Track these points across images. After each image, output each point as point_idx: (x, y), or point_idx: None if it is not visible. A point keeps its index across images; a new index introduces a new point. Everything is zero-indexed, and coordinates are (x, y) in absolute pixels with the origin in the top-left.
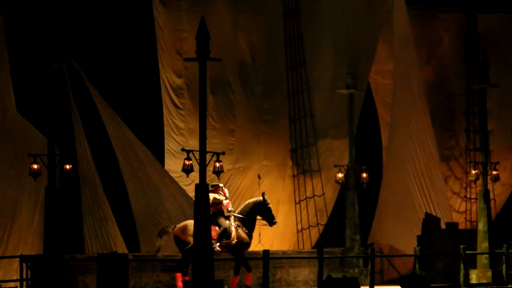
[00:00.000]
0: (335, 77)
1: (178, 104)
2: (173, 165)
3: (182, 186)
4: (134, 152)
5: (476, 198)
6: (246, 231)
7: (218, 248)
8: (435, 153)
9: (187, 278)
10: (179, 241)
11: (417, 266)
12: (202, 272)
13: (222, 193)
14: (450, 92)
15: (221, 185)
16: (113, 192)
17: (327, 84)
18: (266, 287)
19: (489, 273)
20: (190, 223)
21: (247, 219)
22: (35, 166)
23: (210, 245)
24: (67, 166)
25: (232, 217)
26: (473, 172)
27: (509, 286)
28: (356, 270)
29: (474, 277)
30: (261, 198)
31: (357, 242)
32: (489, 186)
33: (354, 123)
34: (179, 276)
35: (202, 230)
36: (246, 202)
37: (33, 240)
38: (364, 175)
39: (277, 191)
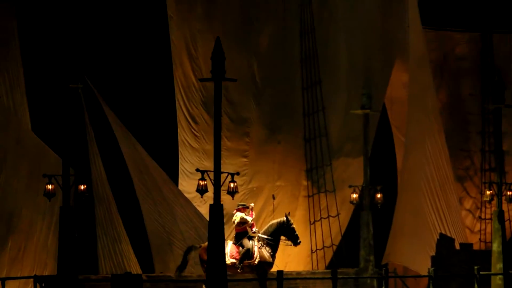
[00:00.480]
0: (350, 97)
1: (193, 125)
2: (187, 185)
3: (196, 206)
4: (148, 173)
5: (490, 219)
6: (270, 251)
7: (240, 270)
8: (450, 173)
9: None
10: (203, 261)
11: (431, 287)
12: None
13: (249, 214)
14: (465, 112)
15: (251, 204)
16: (127, 212)
17: (342, 104)
18: None
19: None
20: None
21: (272, 240)
22: (50, 187)
23: (223, 266)
24: (82, 187)
25: (256, 237)
26: (488, 192)
27: None
28: None
29: None
30: (285, 218)
31: (371, 262)
32: (504, 207)
33: (369, 143)
34: None
35: (216, 250)
36: (270, 223)
37: (48, 260)
38: (379, 195)
39: (291, 212)
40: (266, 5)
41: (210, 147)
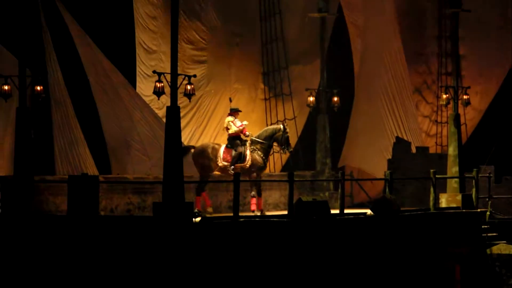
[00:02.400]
0: (307, 0)
1: (151, 27)
2: (145, 88)
3: (153, 109)
4: (106, 75)
5: (446, 122)
6: (262, 155)
7: (231, 171)
8: (407, 78)
9: (199, 199)
10: (196, 162)
11: (387, 189)
12: (172, 194)
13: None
14: (422, 16)
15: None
16: (84, 114)
17: (299, 7)
18: (237, 210)
19: (459, 197)
20: (207, 145)
21: (265, 144)
22: (6, 87)
23: (180, 168)
24: (38, 88)
25: (248, 141)
26: (444, 96)
27: (478, 210)
28: (327, 194)
29: (444, 201)
30: (281, 126)
31: (327, 165)
32: (460, 111)
33: (325, 47)
34: (199, 198)
35: (172, 152)
36: (265, 128)
37: (3, 161)
38: (335, 99)
39: (248, 114)
40: None
41: (167, 49)
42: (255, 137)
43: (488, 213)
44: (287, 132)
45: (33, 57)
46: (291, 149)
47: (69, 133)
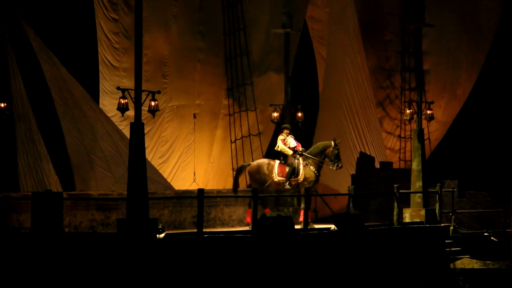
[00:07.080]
0: (271, 16)
1: (113, 43)
2: (108, 104)
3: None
4: (69, 91)
5: (410, 138)
6: (314, 170)
7: (288, 186)
8: (370, 93)
9: (267, 211)
10: (254, 179)
11: (351, 205)
12: (136, 211)
13: (292, 136)
14: (386, 31)
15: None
16: (47, 130)
17: (263, 23)
18: (201, 226)
19: (423, 212)
20: (263, 162)
21: (316, 160)
22: None
23: (145, 184)
24: (2, 104)
25: (302, 156)
26: (408, 111)
27: (442, 224)
28: (291, 209)
29: (407, 216)
30: (332, 142)
31: None
32: (424, 126)
33: (290, 62)
34: (250, 211)
35: (137, 169)
36: (317, 144)
37: None
38: (300, 114)
39: (211, 130)
40: None
41: (130, 65)
42: (307, 153)
43: (451, 227)
44: (337, 149)
45: None
46: (341, 165)
47: (33, 148)
